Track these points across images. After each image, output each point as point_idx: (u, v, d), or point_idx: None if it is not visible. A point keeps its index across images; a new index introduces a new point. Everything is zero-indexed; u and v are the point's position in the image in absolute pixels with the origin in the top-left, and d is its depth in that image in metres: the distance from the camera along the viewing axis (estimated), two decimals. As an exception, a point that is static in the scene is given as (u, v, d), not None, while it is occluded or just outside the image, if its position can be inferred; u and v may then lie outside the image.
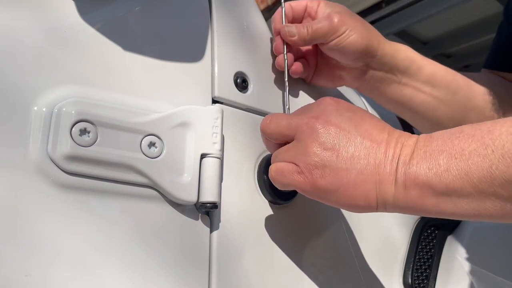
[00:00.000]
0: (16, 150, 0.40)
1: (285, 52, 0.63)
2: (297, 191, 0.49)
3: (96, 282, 0.41)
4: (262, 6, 2.17)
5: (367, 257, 0.71)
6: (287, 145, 0.50)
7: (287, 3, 0.65)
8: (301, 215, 0.63)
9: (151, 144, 0.47)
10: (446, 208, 0.40)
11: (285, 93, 0.62)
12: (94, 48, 0.48)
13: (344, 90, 0.87)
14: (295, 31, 0.61)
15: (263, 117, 0.63)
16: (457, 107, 0.72)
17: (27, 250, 0.38)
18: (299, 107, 0.54)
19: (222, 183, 0.54)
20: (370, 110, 0.87)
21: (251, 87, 0.62)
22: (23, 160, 0.40)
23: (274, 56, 0.68)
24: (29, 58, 0.43)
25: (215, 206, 0.50)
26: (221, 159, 0.52)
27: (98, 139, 0.43)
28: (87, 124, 0.43)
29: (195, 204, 0.50)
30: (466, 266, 0.77)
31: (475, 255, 0.78)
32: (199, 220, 0.51)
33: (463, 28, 1.97)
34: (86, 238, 0.42)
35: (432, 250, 0.83)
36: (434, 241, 0.85)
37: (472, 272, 0.75)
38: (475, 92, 0.73)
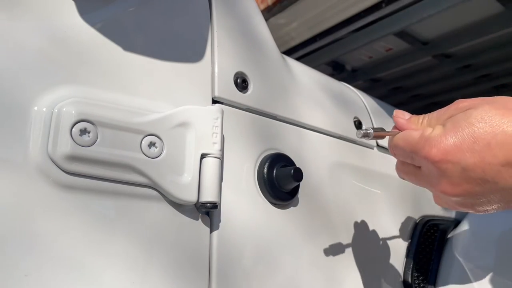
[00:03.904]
0: (17, 150, 0.40)
1: None
2: None
3: (96, 282, 0.41)
4: (262, 6, 2.17)
5: (367, 257, 0.71)
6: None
7: None
8: (300, 215, 0.63)
9: (151, 144, 0.47)
10: None
11: None
12: (95, 48, 0.48)
13: (344, 89, 0.87)
14: None
15: (263, 117, 0.63)
16: None
17: (27, 250, 0.38)
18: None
19: (222, 183, 0.54)
20: (370, 110, 0.87)
21: (251, 87, 0.62)
22: (24, 160, 0.40)
23: (276, 58, 0.68)
24: (29, 58, 0.43)
25: (215, 206, 0.50)
26: (221, 159, 0.52)
27: (98, 139, 0.43)
28: (87, 124, 0.43)
29: (195, 204, 0.50)
30: (466, 266, 0.77)
31: (475, 255, 0.78)
32: (199, 220, 0.51)
33: (463, 28, 1.97)
34: (86, 238, 0.42)
35: (432, 250, 0.83)
36: (434, 241, 0.85)
37: (472, 272, 0.75)
38: None
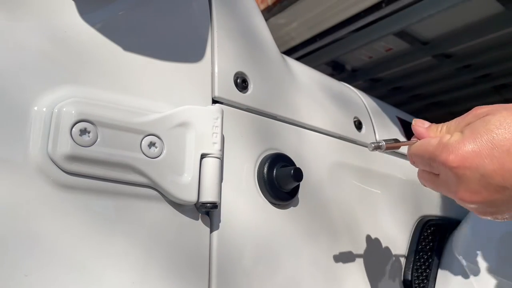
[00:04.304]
0: (17, 150, 0.40)
1: None
2: None
3: (96, 282, 0.41)
4: (262, 6, 2.17)
5: (367, 257, 0.71)
6: None
7: None
8: (300, 215, 0.63)
9: (151, 144, 0.47)
10: None
11: None
12: (95, 48, 0.48)
13: (344, 89, 0.87)
14: None
15: (263, 117, 0.63)
16: None
17: (27, 250, 0.38)
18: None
19: (222, 183, 0.54)
20: (370, 110, 0.87)
21: (251, 87, 0.62)
22: (24, 160, 0.40)
23: (276, 58, 0.68)
24: (29, 58, 0.43)
25: (215, 206, 0.50)
26: (221, 159, 0.52)
27: (98, 139, 0.43)
28: (87, 124, 0.43)
29: (195, 204, 0.50)
30: (466, 266, 0.77)
31: (475, 255, 0.78)
32: (199, 220, 0.51)
33: (463, 28, 1.96)
34: (86, 238, 0.42)
35: (432, 250, 0.83)
36: (434, 241, 0.85)
37: (472, 272, 0.75)
38: None
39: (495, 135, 0.43)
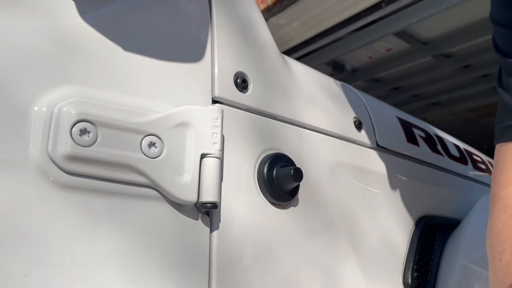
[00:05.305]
0: (17, 150, 0.40)
1: None
2: None
3: (96, 282, 0.42)
4: (262, 6, 2.17)
5: (367, 257, 0.71)
6: None
7: None
8: (300, 215, 0.63)
9: (151, 144, 0.47)
10: None
11: None
12: (95, 48, 0.48)
13: (344, 89, 0.87)
14: None
15: (263, 117, 0.63)
16: None
17: (27, 250, 0.38)
18: None
19: (222, 183, 0.54)
20: (370, 110, 0.87)
21: (251, 87, 0.62)
22: (24, 160, 0.40)
23: (276, 58, 0.68)
24: (29, 58, 0.43)
25: (215, 206, 0.50)
26: (221, 159, 0.52)
27: (98, 139, 0.43)
28: (87, 124, 0.43)
29: (195, 204, 0.50)
30: (466, 266, 0.77)
31: (475, 255, 0.78)
32: (199, 220, 0.51)
33: (463, 28, 1.97)
34: (86, 238, 0.42)
35: (432, 250, 0.83)
36: (434, 241, 0.85)
37: (472, 272, 0.75)
38: None
39: None
